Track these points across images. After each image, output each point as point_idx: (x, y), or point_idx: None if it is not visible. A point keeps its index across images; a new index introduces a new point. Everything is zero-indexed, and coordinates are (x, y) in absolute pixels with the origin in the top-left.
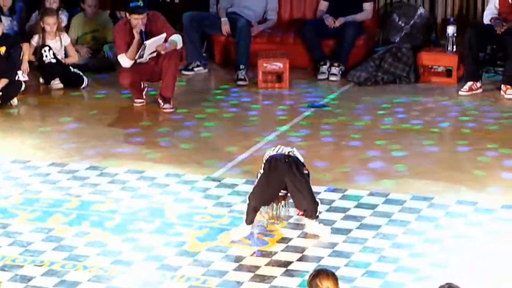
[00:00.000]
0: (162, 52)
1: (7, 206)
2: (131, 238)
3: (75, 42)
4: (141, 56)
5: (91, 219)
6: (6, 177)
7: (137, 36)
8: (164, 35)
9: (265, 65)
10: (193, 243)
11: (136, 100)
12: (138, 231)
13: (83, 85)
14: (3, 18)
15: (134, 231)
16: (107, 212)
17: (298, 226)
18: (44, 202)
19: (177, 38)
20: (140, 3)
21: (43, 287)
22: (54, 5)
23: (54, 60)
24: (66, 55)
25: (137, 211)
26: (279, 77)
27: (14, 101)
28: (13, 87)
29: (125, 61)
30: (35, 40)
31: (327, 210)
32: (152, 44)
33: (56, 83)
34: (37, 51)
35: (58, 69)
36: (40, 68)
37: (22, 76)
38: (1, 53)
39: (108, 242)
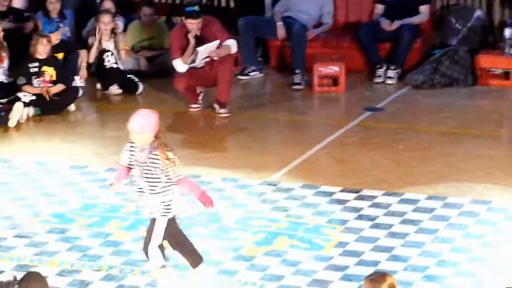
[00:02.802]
0: (215, 58)
1: (65, 211)
2: None
3: (131, 49)
4: (193, 61)
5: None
6: (64, 182)
7: (192, 41)
8: (217, 42)
9: (320, 69)
10: (250, 247)
11: (191, 105)
12: (195, 235)
13: (139, 91)
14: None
15: (190, 236)
16: None
17: (354, 230)
18: (102, 207)
19: (231, 43)
20: (196, 8)
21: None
22: (111, 10)
23: (114, 66)
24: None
25: (194, 216)
26: (335, 80)
27: (72, 107)
28: (70, 93)
29: (180, 65)
30: (91, 41)
31: (385, 214)
32: (205, 50)
33: (115, 89)
34: (97, 56)
35: (117, 74)
36: (99, 73)
37: (79, 82)
38: (59, 59)
39: (166, 246)
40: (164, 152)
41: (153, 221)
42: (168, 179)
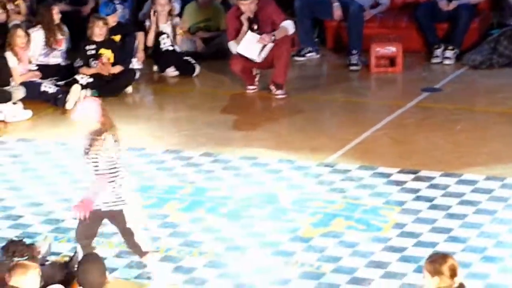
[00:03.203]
0: (264, 43)
1: None
2: (245, 224)
3: (188, 31)
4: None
5: (205, 205)
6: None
7: (245, 23)
8: (270, 45)
9: (378, 49)
10: (307, 229)
11: (248, 87)
12: (252, 217)
13: (195, 73)
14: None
15: (248, 217)
16: (221, 198)
17: (412, 211)
18: (160, 189)
19: (288, 24)
20: None
21: (160, 273)
22: None
23: (170, 48)
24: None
25: (251, 197)
26: (392, 61)
27: (129, 89)
28: (127, 75)
29: (235, 47)
30: (147, 23)
31: (443, 195)
32: (252, 38)
33: (171, 71)
34: (154, 39)
35: (173, 57)
36: (155, 55)
37: (136, 64)
38: (116, 41)
39: (223, 228)
40: (102, 137)
41: (116, 217)
42: (113, 166)
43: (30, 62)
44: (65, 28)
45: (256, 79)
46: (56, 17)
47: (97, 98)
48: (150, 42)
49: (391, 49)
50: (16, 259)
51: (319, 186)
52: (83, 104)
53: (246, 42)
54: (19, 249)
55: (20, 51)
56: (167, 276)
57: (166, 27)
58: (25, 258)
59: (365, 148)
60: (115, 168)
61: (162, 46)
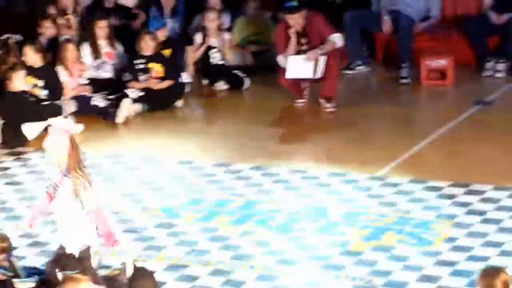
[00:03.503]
0: (312, 60)
1: (174, 206)
2: (295, 237)
3: (237, 45)
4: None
5: (255, 218)
6: (172, 177)
7: (293, 37)
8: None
9: (428, 62)
10: (357, 242)
11: (297, 100)
12: (302, 230)
13: (245, 87)
14: (166, 19)
15: (298, 230)
16: (271, 211)
17: (463, 225)
18: (209, 202)
19: (336, 38)
20: (294, 3)
21: (209, 287)
22: (217, 7)
23: (220, 62)
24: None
25: (301, 210)
26: (443, 74)
27: (179, 103)
28: (177, 89)
29: (284, 62)
30: (198, 38)
31: (495, 209)
32: (295, 61)
33: (221, 85)
34: (203, 53)
35: (223, 70)
36: (205, 69)
37: (186, 78)
38: (166, 55)
39: (273, 241)
40: (76, 175)
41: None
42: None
43: (81, 77)
44: (117, 43)
45: (305, 92)
46: (102, 31)
47: (78, 127)
48: (198, 56)
49: (441, 62)
50: (67, 272)
51: (370, 200)
52: (54, 134)
53: (292, 65)
54: (70, 263)
55: (71, 65)
56: None
57: (215, 42)
58: (75, 272)
59: (416, 161)
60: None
61: (211, 60)
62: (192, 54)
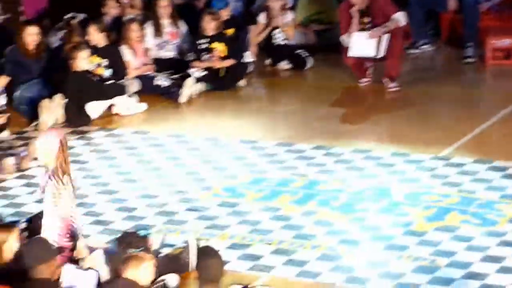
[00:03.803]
0: (375, 38)
1: (236, 185)
2: (358, 217)
3: (300, 24)
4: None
5: (318, 198)
6: (235, 157)
7: (356, 16)
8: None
9: (494, 41)
10: (421, 223)
11: (360, 80)
12: (365, 210)
13: (308, 66)
14: None
15: (361, 210)
16: (333, 191)
17: None
18: (272, 182)
19: (400, 16)
20: None
21: (271, 266)
22: None
23: (283, 42)
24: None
25: (364, 190)
26: (508, 53)
27: (242, 82)
28: (240, 69)
29: (346, 42)
30: (261, 18)
31: None
32: (359, 38)
33: (284, 64)
34: (266, 33)
35: (286, 50)
36: (268, 49)
37: (249, 57)
38: (229, 35)
39: (335, 221)
40: (57, 180)
41: None
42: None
43: (145, 56)
44: (181, 22)
45: (369, 72)
46: (165, 10)
47: (63, 132)
48: (262, 37)
49: (507, 42)
50: (130, 251)
51: (434, 180)
52: (46, 136)
53: (356, 43)
54: (133, 241)
55: (135, 44)
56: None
57: (278, 21)
58: (139, 250)
59: (480, 142)
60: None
61: (274, 40)
62: (255, 34)
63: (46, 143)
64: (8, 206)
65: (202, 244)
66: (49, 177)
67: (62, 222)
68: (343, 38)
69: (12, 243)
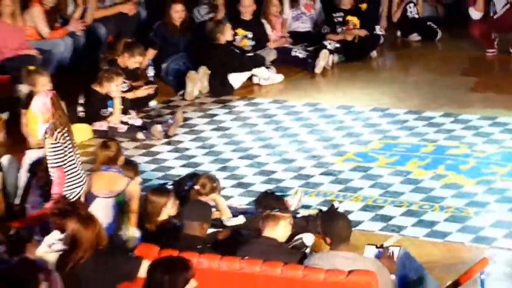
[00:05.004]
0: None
1: (368, 151)
2: (485, 181)
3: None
4: (494, 12)
5: (446, 163)
6: (366, 124)
7: None
8: None
9: None
10: None
11: (487, 50)
12: (492, 174)
13: (437, 37)
14: None
15: (487, 174)
16: (461, 156)
17: None
18: (402, 147)
19: None
20: None
21: (402, 226)
22: None
23: (416, 16)
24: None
25: (490, 155)
26: None
27: (373, 53)
28: (372, 41)
29: (474, 13)
30: None
31: None
32: None
33: (415, 36)
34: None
35: (418, 23)
36: (401, 22)
37: (380, 30)
38: (363, 8)
39: (463, 184)
40: (50, 133)
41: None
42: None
43: (283, 29)
44: None
45: (495, 42)
46: None
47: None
48: (398, 15)
49: None
50: (268, 211)
51: None
52: (38, 98)
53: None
54: (271, 202)
55: (274, 19)
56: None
57: None
58: (277, 210)
59: None
60: (62, 161)
61: (408, 14)
62: (386, 8)
63: (38, 102)
64: (157, 170)
65: (332, 207)
66: (46, 132)
67: (56, 172)
68: (471, 11)
69: (169, 208)
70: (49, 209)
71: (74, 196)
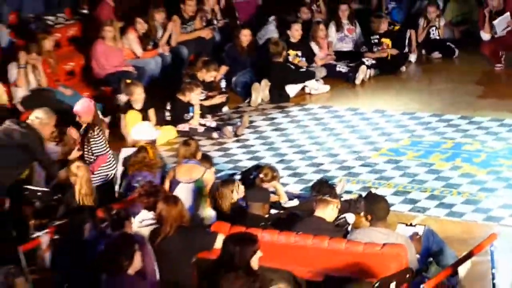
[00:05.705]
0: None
1: (398, 147)
2: (494, 171)
3: (449, 22)
4: (495, 33)
5: (462, 156)
6: (397, 125)
7: (487, 15)
8: (507, 14)
9: None
10: None
11: (496, 65)
12: (499, 165)
13: (455, 55)
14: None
15: (496, 165)
16: (474, 151)
17: None
18: (426, 144)
19: None
20: None
21: (426, 207)
22: None
23: (438, 37)
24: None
25: (498, 150)
26: None
27: (403, 68)
28: (401, 58)
29: (484, 35)
30: (421, 22)
31: None
32: (501, 21)
33: (436, 54)
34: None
35: (439, 43)
36: (424, 43)
37: (412, 53)
38: (395, 31)
39: (476, 174)
40: (92, 130)
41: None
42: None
43: (329, 49)
44: (356, 22)
45: (502, 58)
46: (344, 13)
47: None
48: (422, 36)
49: None
50: (321, 195)
51: None
52: (82, 102)
53: (499, 27)
54: (324, 188)
55: (321, 41)
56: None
57: (435, 22)
58: (327, 195)
59: None
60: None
61: (431, 36)
62: (414, 35)
63: (86, 107)
64: (228, 162)
65: (370, 192)
66: (86, 130)
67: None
68: (482, 34)
69: (235, 193)
70: (137, 191)
71: (110, 176)
